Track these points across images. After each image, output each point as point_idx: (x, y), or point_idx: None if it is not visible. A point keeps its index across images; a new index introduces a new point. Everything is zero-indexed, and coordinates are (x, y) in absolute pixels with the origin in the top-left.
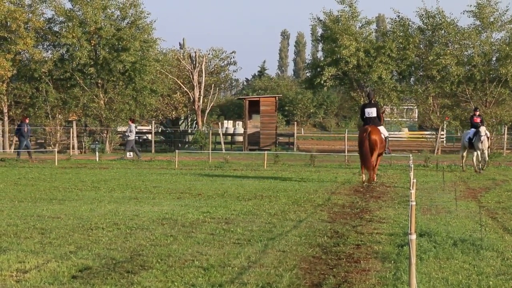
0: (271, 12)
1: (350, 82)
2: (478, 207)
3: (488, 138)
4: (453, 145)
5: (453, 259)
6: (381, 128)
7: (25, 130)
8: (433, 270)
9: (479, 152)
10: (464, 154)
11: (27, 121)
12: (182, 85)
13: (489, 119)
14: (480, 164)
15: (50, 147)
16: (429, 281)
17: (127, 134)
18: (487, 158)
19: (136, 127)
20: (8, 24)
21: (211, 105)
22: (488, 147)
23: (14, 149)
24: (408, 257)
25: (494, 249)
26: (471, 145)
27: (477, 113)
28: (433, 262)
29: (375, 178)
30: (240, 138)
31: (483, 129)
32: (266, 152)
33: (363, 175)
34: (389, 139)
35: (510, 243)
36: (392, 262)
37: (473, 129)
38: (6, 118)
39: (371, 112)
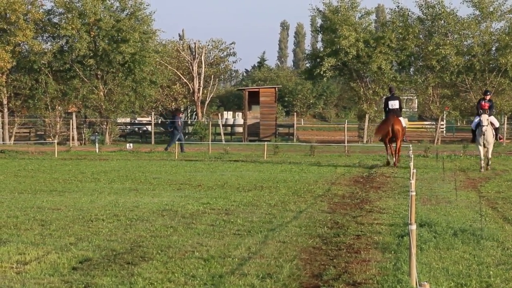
0: (270, 2)
1: (349, 73)
2: (478, 197)
3: (495, 129)
4: (453, 135)
5: (453, 249)
6: (401, 119)
7: (179, 123)
8: (433, 260)
9: (481, 148)
10: (480, 148)
11: (180, 115)
12: (181, 76)
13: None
14: (484, 162)
15: (50, 139)
16: (430, 271)
17: None
18: (489, 155)
19: None
20: (8, 16)
21: (211, 96)
22: (495, 140)
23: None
24: (408, 247)
25: (494, 239)
26: (474, 138)
27: (488, 97)
28: (433, 252)
29: (398, 163)
30: (240, 129)
31: (484, 118)
32: (266, 143)
33: (389, 157)
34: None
35: (510, 233)
36: (393, 252)
37: (478, 117)
38: (5, 110)
39: (394, 104)
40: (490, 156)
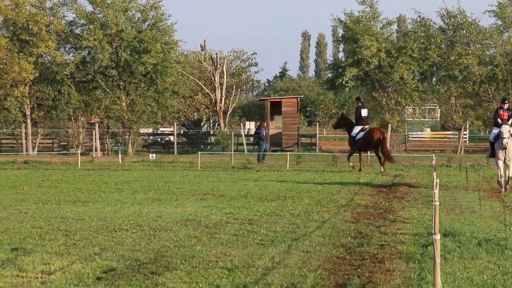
0: (292, 13)
1: (371, 83)
2: (502, 206)
3: None
4: (475, 145)
5: (477, 259)
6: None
7: (263, 133)
8: (457, 270)
9: (500, 163)
10: (500, 163)
11: (264, 124)
12: (203, 86)
13: None
14: (504, 180)
15: (73, 149)
16: (454, 281)
17: None
18: (511, 173)
19: None
20: (30, 27)
21: (233, 106)
22: None
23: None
24: (432, 257)
25: None
26: (493, 152)
27: (506, 105)
28: (458, 262)
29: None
30: None
31: (505, 129)
32: (288, 153)
33: (351, 163)
34: (410, 138)
35: None
36: (417, 262)
37: (497, 128)
38: (29, 121)
39: (365, 112)
40: (511, 174)
